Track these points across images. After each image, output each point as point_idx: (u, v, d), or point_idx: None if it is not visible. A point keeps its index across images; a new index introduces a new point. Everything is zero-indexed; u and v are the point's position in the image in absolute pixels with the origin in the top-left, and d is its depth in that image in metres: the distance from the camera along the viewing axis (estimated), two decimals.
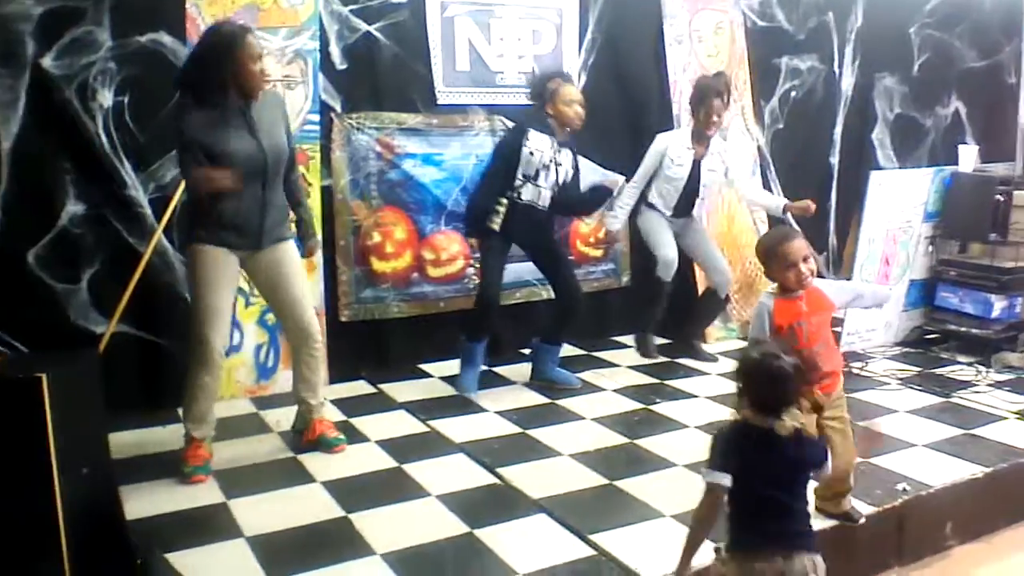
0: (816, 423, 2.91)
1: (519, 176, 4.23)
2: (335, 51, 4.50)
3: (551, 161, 4.26)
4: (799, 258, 2.83)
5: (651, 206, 4.90)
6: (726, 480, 2.21)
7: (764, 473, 2.22)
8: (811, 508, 2.44)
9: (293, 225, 3.67)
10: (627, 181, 4.73)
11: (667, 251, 4.84)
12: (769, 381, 2.22)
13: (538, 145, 4.23)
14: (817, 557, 2.26)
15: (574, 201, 4.47)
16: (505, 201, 4.25)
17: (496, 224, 4.26)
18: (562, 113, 4.27)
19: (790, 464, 2.25)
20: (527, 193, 4.26)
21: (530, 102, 4.47)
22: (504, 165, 4.26)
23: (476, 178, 4.76)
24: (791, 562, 2.20)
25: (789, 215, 4.98)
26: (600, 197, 4.50)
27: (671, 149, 4.77)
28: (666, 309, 4.99)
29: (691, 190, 4.84)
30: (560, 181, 4.32)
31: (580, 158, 4.48)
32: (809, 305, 2.88)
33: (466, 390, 4.35)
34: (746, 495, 2.23)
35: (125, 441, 3.71)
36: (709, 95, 4.70)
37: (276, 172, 3.44)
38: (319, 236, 4.04)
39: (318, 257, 4.43)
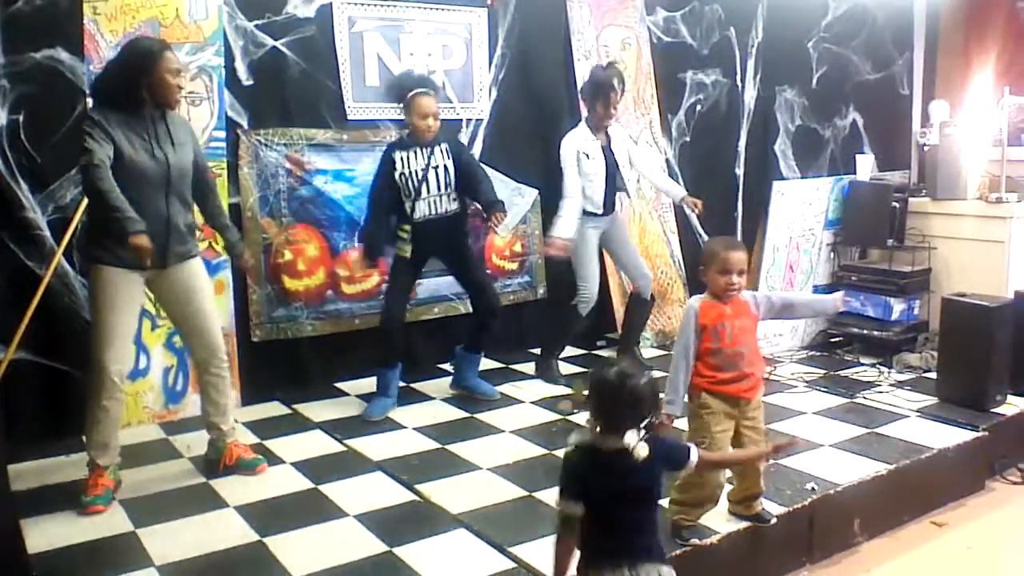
0: (735, 429, 3.00)
1: (405, 199, 4.24)
2: (241, 67, 4.42)
3: (426, 168, 4.25)
4: (735, 269, 2.95)
5: (583, 213, 4.77)
6: (577, 508, 2.22)
7: (610, 494, 2.21)
8: (665, 518, 2.53)
9: (202, 243, 3.60)
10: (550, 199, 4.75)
11: (591, 286, 4.83)
12: (620, 400, 2.20)
13: (406, 165, 4.24)
14: (664, 567, 2.26)
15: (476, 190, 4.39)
16: (408, 227, 4.26)
17: (406, 251, 4.27)
18: (414, 125, 4.24)
19: (636, 483, 2.22)
20: (420, 210, 4.26)
21: (390, 104, 4.50)
22: (382, 192, 4.28)
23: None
24: (636, 571, 2.20)
25: (685, 206, 5.06)
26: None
27: (581, 145, 4.75)
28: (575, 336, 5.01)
29: (611, 179, 4.82)
30: (447, 181, 4.30)
31: (490, 170, 4.49)
32: (733, 309, 2.99)
33: (370, 416, 4.28)
34: (595, 515, 2.22)
35: (27, 471, 3.58)
36: (605, 87, 4.69)
37: (180, 188, 3.39)
38: (247, 254, 3.96)
39: (228, 276, 4.36)
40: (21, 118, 3.83)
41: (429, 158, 4.27)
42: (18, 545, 2.96)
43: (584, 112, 4.94)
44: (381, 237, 4.30)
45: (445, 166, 4.30)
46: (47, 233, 3.92)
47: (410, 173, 4.23)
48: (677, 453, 2.38)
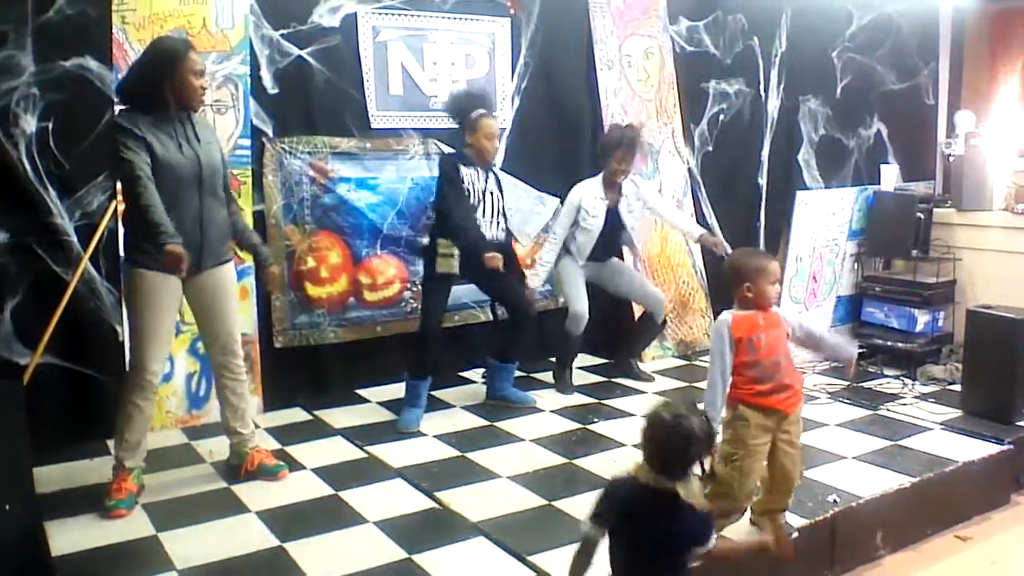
0: (772, 443, 2.97)
1: None
2: (266, 75, 4.46)
3: (484, 191, 4.29)
4: (777, 278, 2.94)
5: (567, 252, 4.88)
6: (599, 535, 2.20)
7: (644, 537, 2.19)
8: None
9: (234, 247, 3.65)
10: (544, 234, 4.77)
11: (578, 305, 4.82)
12: (674, 442, 2.19)
13: (470, 182, 4.26)
14: None
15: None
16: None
17: (454, 268, 4.23)
18: (482, 147, 4.28)
19: (672, 533, 2.20)
20: None
21: (451, 123, 4.49)
22: (461, 193, 4.22)
23: (413, 206, 4.80)
24: None
25: (705, 244, 5.06)
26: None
27: (584, 200, 4.76)
28: (585, 342, 5.01)
29: (609, 236, 4.86)
30: (499, 208, 4.34)
31: (512, 179, 4.51)
32: (765, 320, 2.96)
33: (405, 427, 4.27)
34: (624, 554, 2.21)
35: (52, 475, 3.61)
36: (611, 148, 4.74)
37: (212, 186, 3.42)
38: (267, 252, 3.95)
39: (251, 282, 4.39)
40: (50, 125, 3.87)
41: (486, 182, 4.30)
42: (42, 547, 3.01)
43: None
44: (443, 255, 4.21)
45: (496, 195, 4.33)
46: (74, 239, 3.96)
47: (474, 190, 4.24)
48: (702, 528, 2.26)
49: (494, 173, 4.43)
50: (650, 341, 5.35)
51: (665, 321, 5.24)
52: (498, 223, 4.37)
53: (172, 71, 3.27)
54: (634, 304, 5.27)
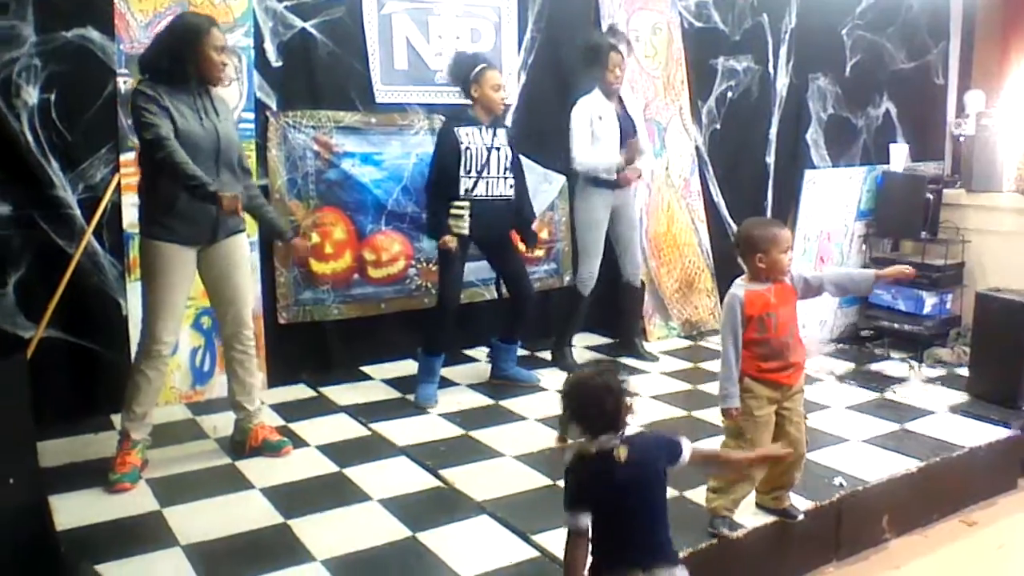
0: (775, 412, 2.95)
1: (464, 176, 4.19)
2: (270, 48, 4.41)
3: (490, 148, 4.24)
4: (789, 245, 2.89)
5: (593, 183, 4.73)
6: (584, 520, 2.18)
7: (610, 498, 2.17)
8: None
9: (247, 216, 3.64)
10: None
11: (592, 264, 4.78)
12: (598, 398, 2.17)
13: (471, 140, 4.21)
14: (677, 569, 2.21)
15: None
16: (467, 203, 4.20)
17: (464, 228, 4.21)
18: (488, 97, 4.24)
19: (633, 483, 2.18)
20: (479, 189, 4.22)
21: (452, 85, 4.46)
22: (445, 167, 4.20)
23: (418, 182, 4.75)
24: (649, 574, 2.16)
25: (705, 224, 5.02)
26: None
27: (594, 108, 4.69)
28: (586, 318, 4.98)
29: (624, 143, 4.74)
30: (506, 165, 4.30)
31: (520, 156, 4.46)
32: (777, 296, 2.92)
33: (425, 404, 4.26)
34: (602, 521, 2.19)
35: (56, 449, 3.61)
36: (603, 51, 4.64)
37: (228, 160, 3.42)
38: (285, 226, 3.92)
39: (255, 259, 4.36)
40: (52, 97, 3.84)
41: (493, 138, 4.26)
42: (46, 521, 3.00)
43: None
44: (446, 213, 4.22)
45: (504, 150, 4.30)
46: (77, 212, 3.95)
47: (476, 149, 4.21)
48: (669, 447, 2.28)
49: (503, 131, 4.37)
50: (638, 309, 5.26)
51: (643, 284, 5.19)
52: (506, 179, 4.31)
53: (195, 46, 3.29)
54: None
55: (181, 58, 3.28)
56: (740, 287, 2.94)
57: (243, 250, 3.60)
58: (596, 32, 4.87)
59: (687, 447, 2.29)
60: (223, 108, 3.48)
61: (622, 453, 2.15)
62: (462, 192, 4.21)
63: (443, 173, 4.22)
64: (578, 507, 2.19)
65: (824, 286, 3.07)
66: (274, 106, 4.47)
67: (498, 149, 4.27)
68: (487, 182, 4.25)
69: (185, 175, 3.16)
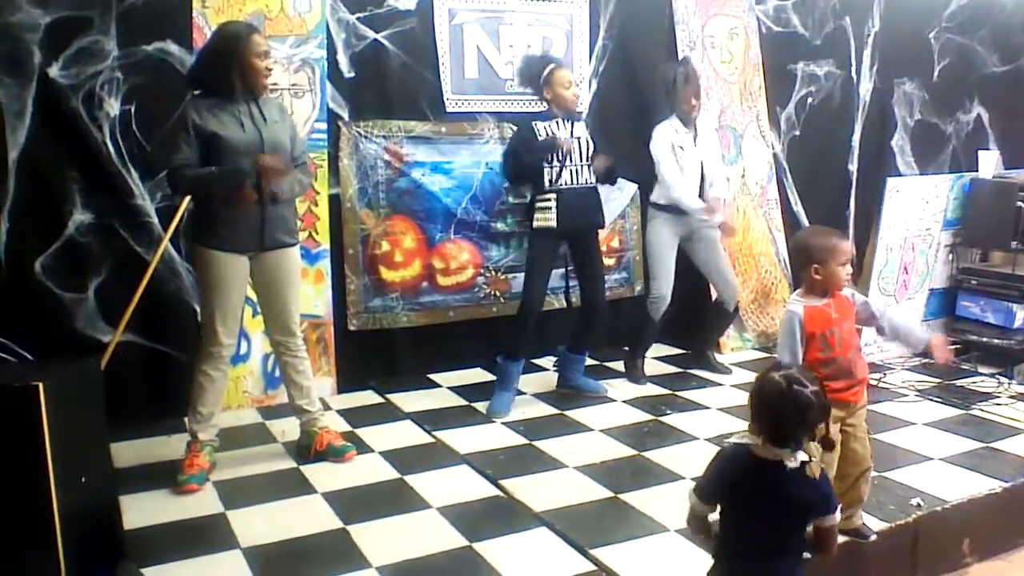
0: (839, 430, 2.82)
1: (547, 167, 4.18)
2: (343, 59, 4.48)
3: (569, 138, 4.22)
4: (848, 258, 2.78)
5: (661, 209, 4.71)
6: (708, 511, 2.14)
7: (758, 509, 2.09)
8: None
9: (302, 232, 3.70)
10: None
11: (663, 286, 4.70)
12: (787, 410, 2.05)
13: (548, 131, 4.21)
14: None
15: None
16: (551, 195, 4.20)
17: (551, 220, 4.20)
18: (560, 96, 4.23)
19: (789, 503, 2.08)
20: (564, 178, 4.21)
21: (523, 89, 4.48)
22: (523, 150, 4.19)
23: (487, 191, 4.82)
24: None
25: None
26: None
27: (675, 137, 4.64)
28: (659, 332, 4.90)
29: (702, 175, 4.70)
30: (588, 153, 4.27)
31: None
32: (838, 311, 2.80)
33: (498, 414, 4.23)
34: (736, 528, 2.12)
35: (129, 450, 3.71)
36: (681, 85, 4.60)
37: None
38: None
39: (326, 266, 4.42)
40: (133, 108, 3.97)
41: (572, 129, 4.27)
42: (115, 520, 3.08)
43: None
44: (536, 203, 4.25)
45: (586, 139, 4.29)
46: (155, 220, 4.06)
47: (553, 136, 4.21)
48: (822, 497, 2.13)
49: (583, 123, 4.37)
50: (722, 330, 5.20)
51: (737, 310, 5.08)
52: (589, 167, 4.29)
53: (237, 54, 3.33)
54: (711, 290, 5.11)
55: (225, 68, 3.33)
56: (798, 303, 2.79)
57: (292, 263, 3.62)
58: (668, 67, 4.81)
59: (839, 514, 2.18)
60: (273, 112, 3.50)
61: (815, 469, 2.07)
62: (547, 183, 4.20)
63: (516, 154, 4.22)
64: (709, 497, 2.16)
65: (882, 322, 2.96)
66: (346, 116, 4.53)
67: (577, 138, 4.26)
68: (571, 171, 4.23)
69: (208, 182, 3.26)
